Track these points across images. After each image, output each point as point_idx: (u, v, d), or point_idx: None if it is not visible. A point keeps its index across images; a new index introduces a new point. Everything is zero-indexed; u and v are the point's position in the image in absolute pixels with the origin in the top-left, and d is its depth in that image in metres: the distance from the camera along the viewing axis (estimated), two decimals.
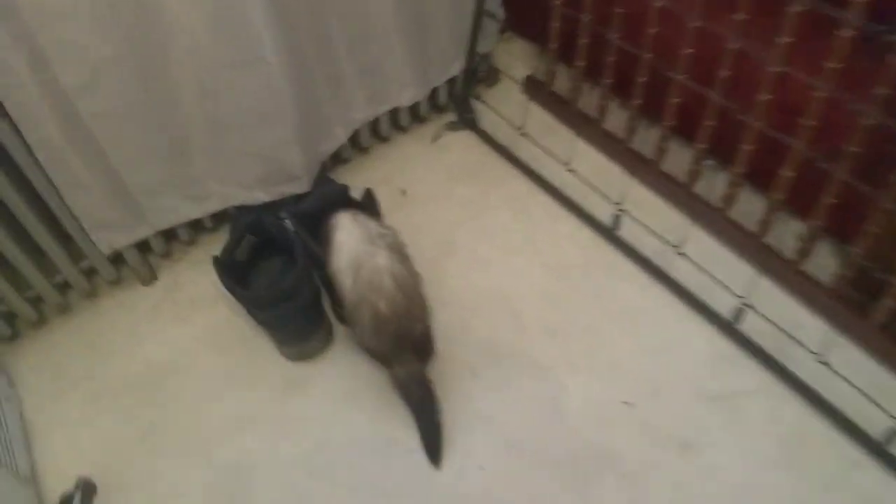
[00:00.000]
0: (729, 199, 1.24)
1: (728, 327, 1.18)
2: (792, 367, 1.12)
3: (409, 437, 1.10)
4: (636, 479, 1.05)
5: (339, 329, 1.23)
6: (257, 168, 1.23)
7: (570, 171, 1.33)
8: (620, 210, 1.26)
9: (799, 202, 1.13)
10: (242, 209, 1.29)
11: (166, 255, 1.35)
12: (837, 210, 1.06)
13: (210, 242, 1.38)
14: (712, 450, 1.07)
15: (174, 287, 1.33)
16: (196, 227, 1.34)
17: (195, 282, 1.33)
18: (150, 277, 1.32)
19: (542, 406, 1.13)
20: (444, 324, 1.21)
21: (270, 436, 1.13)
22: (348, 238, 1.10)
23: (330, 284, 1.15)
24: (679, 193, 1.32)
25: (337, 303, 1.20)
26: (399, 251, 1.10)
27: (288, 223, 1.14)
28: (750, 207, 1.26)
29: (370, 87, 1.33)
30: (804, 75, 0.99)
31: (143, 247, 1.29)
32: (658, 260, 1.26)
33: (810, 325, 1.15)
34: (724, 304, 1.18)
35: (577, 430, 1.10)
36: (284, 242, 1.19)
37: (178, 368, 1.22)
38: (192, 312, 1.29)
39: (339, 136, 1.35)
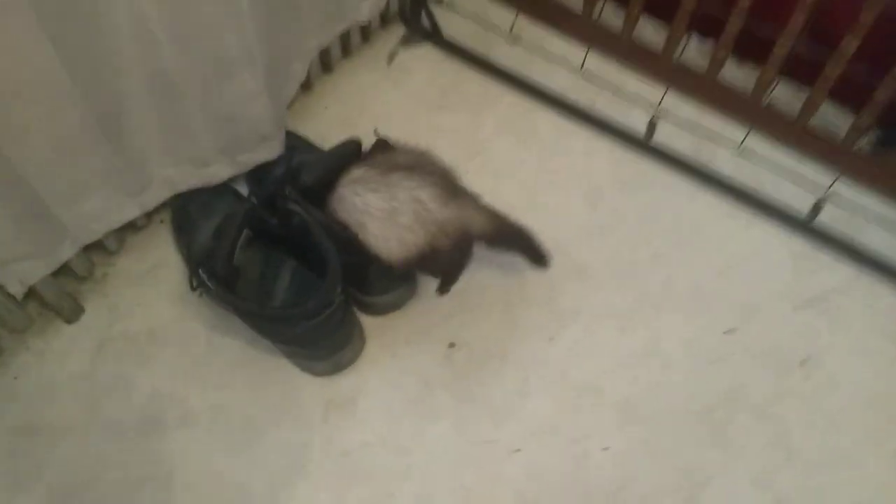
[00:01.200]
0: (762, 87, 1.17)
1: (797, 223, 1.13)
2: (875, 253, 1.10)
3: (494, 428, 0.96)
4: (769, 411, 0.98)
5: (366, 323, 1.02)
6: (216, 134, 0.94)
7: (584, 74, 1.18)
8: (657, 113, 1.15)
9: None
10: (193, 196, 1.01)
11: (88, 275, 1.03)
12: None
13: (141, 246, 1.07)
14: (829, 358, 1.02)
15: (114, 316, 1.02)
16: (122, 229, 1.03)
17: (140, 302, 1.03)
18: (75, 311, 1.00)
19: (642, 359, 1.02)
20: (497, 289, 1.06)
21: (336, 485, 0.92)
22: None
23: (357, 271, 0.94)
24: (705, 88, 1.23)
25: (365, 289, 0.99)
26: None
27: (295, 206, 0.89)
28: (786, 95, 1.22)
29: (326, 4, 1.07)
30: None
31: (57, 270, 0.97)
32: (703, 164, 1.18)
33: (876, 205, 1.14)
34: (790, 200, 1.13)
35: (690, 376, 1.00)
36: (279, 230, 0.94)
37: (175, 425, 0.95)
38: (158, 346, 1.00)
39: (298, 74, 1.08)
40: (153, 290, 1.04)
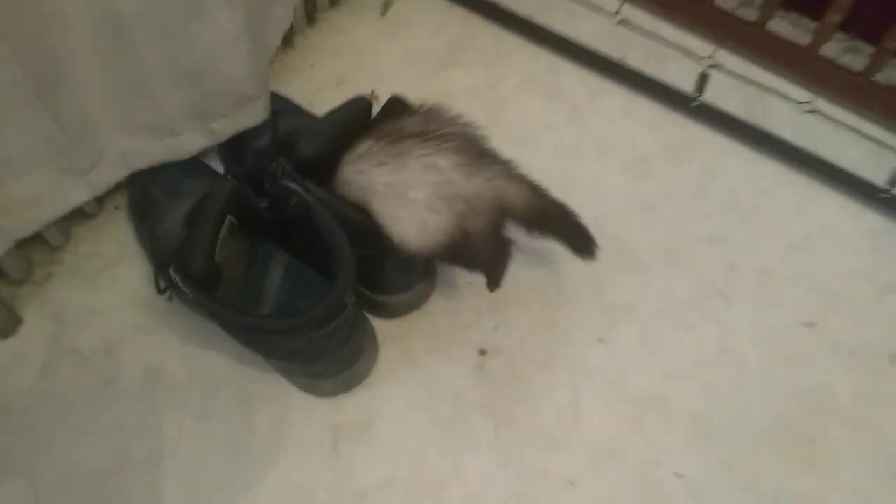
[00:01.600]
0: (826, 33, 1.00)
1: (873, 192, 0.97)
2: None
3: (543, 455, 0.78)
4: (863, 419, 0.82)
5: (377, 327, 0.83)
6: (184, 94, 0.73)
7: (620, 21, 1.00)
8: (710, 65, 0.97)
9: None
10: (156, 175, 0.80)
11: (25, 277, 0.82)
12: None
13: (93, 239, 0.86)
14: None
15: (61, 327, 0.81)
16: (68, 218, 0.81)
17: (94, 310, 0.82)
18: (10, 323, 0.79)
19: (711, 362, 0.85)
20: (532, 282, 0.88)
21: None
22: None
23: (368, 264, 0.75)
24: (754, 36, 1.06)
25: (377, 287, 0.80)
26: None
27: (293, 184, 0.69)
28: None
29: None
30: None
31: None
32: (759, 125, 1.01)
33: None
34: (859, 166, 0.96)
35: (769, 380, 0.84)
36: (268, 215, 0.74)
37: (144, 465, 0.75)
38: (118, 364, 0.79)
39: (282, 20, 0.88)
40: (110, 293, 0.83)
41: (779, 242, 0.94)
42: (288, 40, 1.01)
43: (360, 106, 0.74)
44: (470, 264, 0.81)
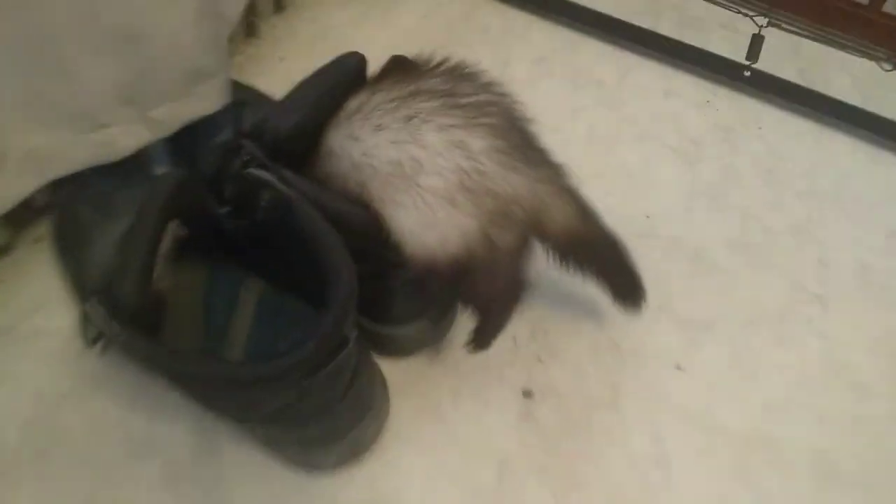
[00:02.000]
0: None
1: None
2: None
3: None
4: None
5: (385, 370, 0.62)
6: (113, 70, 0.53)
7: None
8: (767, 22, 0.79)
9: None
10: (83, 187, 0.60)
11: None
12: None
13: (6, 284, 0.65)
14: None
15: None
16: None
17: (6, 377, 0.60)
18: None
19: (822, 384, 0.64)
20: (581, 295, 0.67)
21: None
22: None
23: (370, 284, 0.54)
24: None
25: (382, 315, 0.59)
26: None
27: (265, 174, 0.49)
28: None
29: None
30: None
31: None
32: (827, 92, 0.83)
33: None
34: None
35: (886, 400, 0.65)
36: (233, 227, 0.54)
37: None
38: (38, 450, 0.57)
39: None
40: (28, 354, 0.61)
41: (873, 229, 0.75)
42: (252, 29, 0.83)
43: (351, 64, 0.54)
44: (474, 295, 0.58)
